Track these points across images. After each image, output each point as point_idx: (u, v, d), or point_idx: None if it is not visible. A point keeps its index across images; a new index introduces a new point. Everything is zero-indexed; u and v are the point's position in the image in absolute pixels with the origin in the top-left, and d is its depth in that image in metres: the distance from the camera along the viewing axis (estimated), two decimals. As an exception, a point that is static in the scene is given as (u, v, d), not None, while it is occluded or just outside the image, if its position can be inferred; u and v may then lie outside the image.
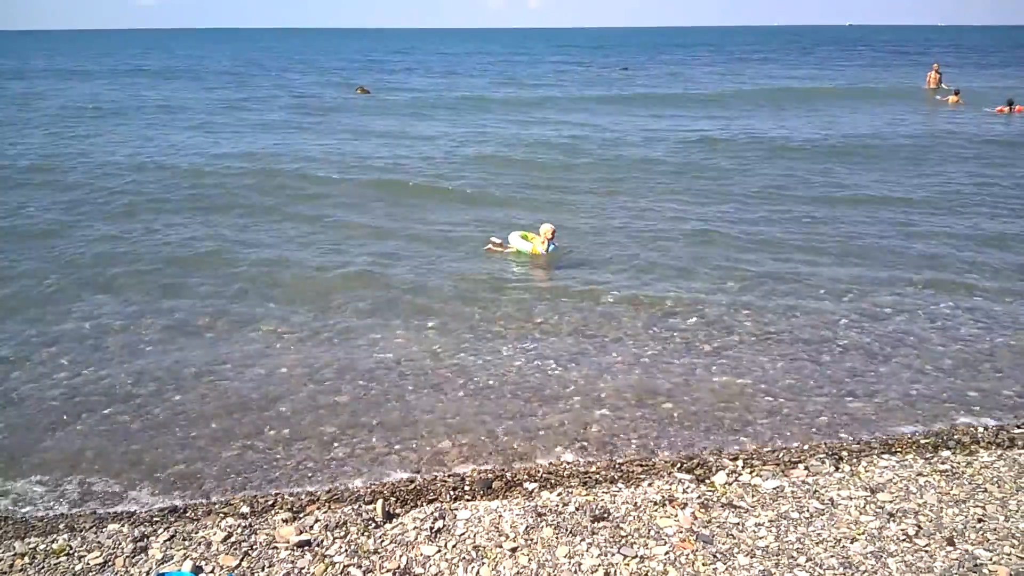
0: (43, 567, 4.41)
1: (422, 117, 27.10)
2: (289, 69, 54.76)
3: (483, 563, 4.35)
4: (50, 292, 9.48)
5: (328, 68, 56.32)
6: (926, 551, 4.37)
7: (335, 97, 34.34)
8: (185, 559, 4.43)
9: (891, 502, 4.92)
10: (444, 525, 4.74)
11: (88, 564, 4.42)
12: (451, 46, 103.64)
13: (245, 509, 5.12)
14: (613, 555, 4.38)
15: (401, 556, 4.43)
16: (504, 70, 53.08)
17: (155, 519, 5.03)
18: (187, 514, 5.10)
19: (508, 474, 5.59)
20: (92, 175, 16.52)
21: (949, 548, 4.39)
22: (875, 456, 5.69)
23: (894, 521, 4.68)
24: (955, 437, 6.05)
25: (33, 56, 75.36)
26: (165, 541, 4.64)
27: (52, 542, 4.67)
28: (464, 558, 4.40)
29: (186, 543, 4.60)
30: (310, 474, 5.67)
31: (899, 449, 5.84)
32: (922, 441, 6.00)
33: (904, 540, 4.48)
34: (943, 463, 5.50)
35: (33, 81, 44.00)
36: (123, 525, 4.89)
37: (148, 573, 4.31)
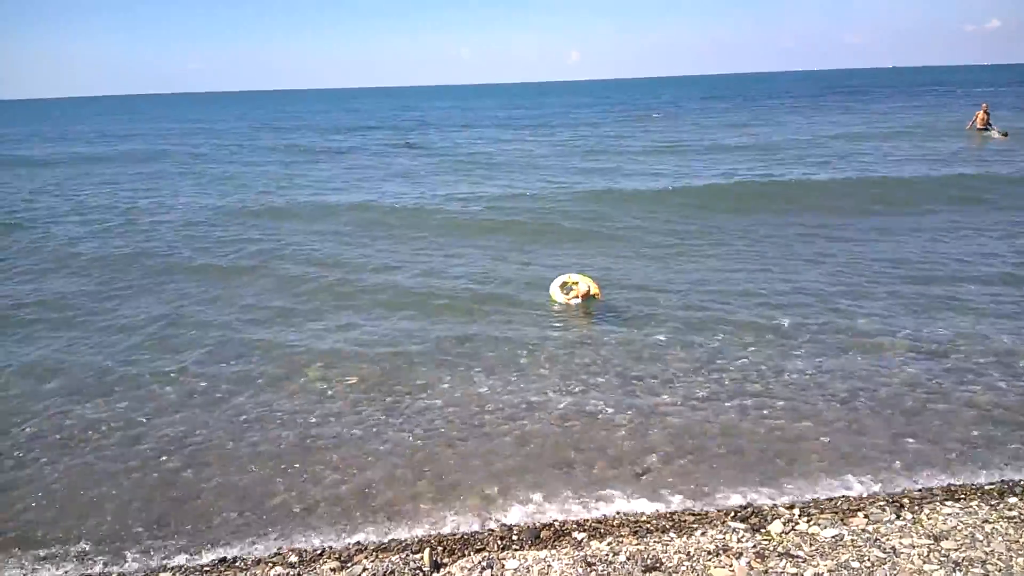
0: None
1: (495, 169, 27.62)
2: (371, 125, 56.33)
3: (532, 614, 4.27)
4: (112, 334, 9.75)
5: (395, 124, 57.69)
6: (996, 603, 4.17)
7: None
8: (235, 609, 4.44)
9: (956, 550, 4.71)
10: (492, 575, 4.68)
11: (141, 613, 4.46)
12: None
13: (294, 559, 5.13)
14: (666, 606, 4.27)
15: (449, 607, 4.38)
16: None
17: (206, 569, 5.06)
18: (236, 564, 5.12)
19: (556, 523, 5.50)
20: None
21: (1021, 600, 4.18)
22: (938, 503, 5.48)
23: (960, 570, 4.48)
24: (1022, 483, 5.80)
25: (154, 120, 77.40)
26: (216, 591, 4.66)
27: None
28: (513, 609, 4.33)
29: (236, 592, 4.62)
30: (358, 523, 5.64)
31: (963, 496, 5.61)
32: (987, 487, 5.76)
33: (972, 591, 4.29)
34: (1010, 510, 5.27)
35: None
36: (174, 574, 4.93)
37: (199, 623, 4.33)
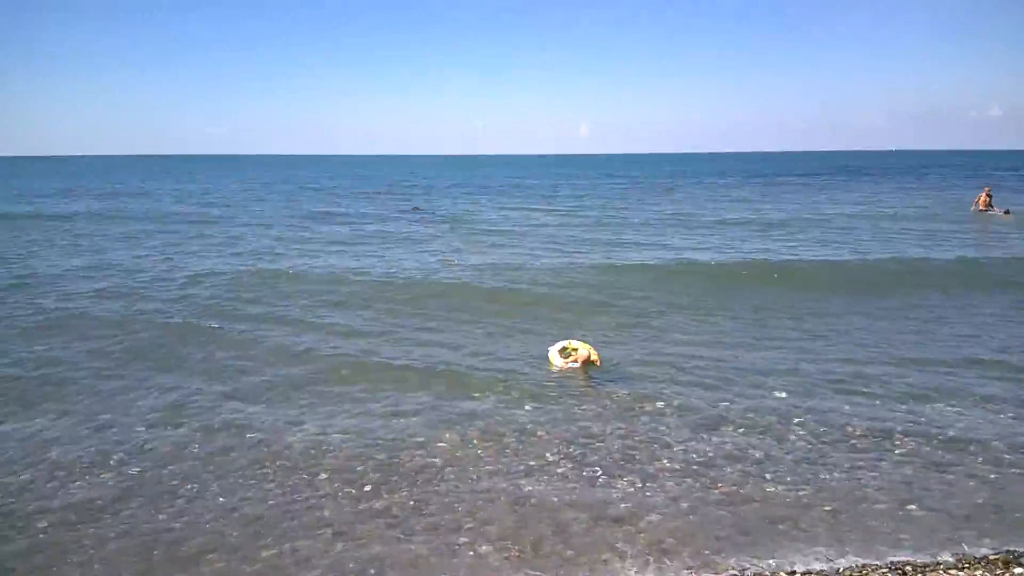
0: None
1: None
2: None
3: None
4: (96, 379, 9.75)
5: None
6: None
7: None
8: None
9: (961, 621, 4.61)
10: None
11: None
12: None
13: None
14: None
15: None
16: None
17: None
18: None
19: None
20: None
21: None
22: (941, 571, 5.38)
23: (965, 640, 4.37)
24: (1028, 552, 5.69)
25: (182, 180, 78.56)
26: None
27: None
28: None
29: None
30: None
31: (967, 565, 5.51)
32: (991, 556, 5.65)
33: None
34: (1016, 580, 5.16)
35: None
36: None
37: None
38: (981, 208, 33.08)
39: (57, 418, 8.75)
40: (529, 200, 46.90)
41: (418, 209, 38.23)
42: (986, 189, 34.56)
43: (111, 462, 7.57)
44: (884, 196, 46.56)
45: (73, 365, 10.83)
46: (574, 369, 10.38)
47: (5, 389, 9.79)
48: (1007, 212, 31.33)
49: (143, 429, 8.43)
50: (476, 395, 9.46)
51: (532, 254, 22.24)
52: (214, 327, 12.94)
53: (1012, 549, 5.76)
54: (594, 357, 10.43)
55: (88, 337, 12.34)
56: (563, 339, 10.99)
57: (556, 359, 10.62)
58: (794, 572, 5.49)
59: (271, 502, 6.72)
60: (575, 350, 10.55)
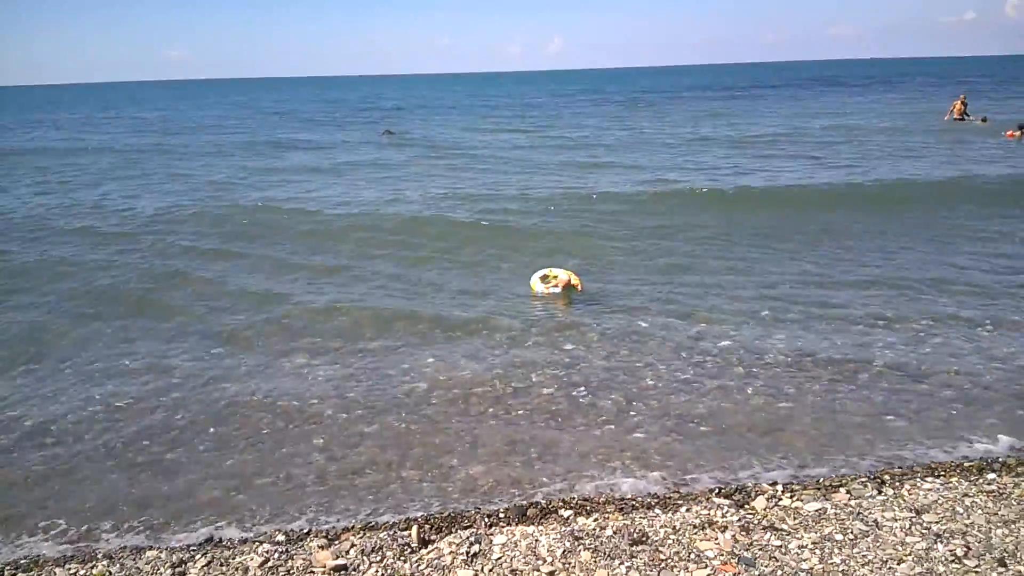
0: (83, 593, 4.44)
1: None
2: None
3: (521, 587, 4.30)
4: (77, 322, 9.66)
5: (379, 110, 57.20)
6: (976, 572, 4.26)
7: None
8: (223, 584, 4.43)
9: (937, 523, 4.81)
10: (480, 550, 4.70)
11: (127, 590, 4.44)
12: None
13: (281, 538, 5.10)
14: (653, 578, 4.31)
15: (438, 581, 4.40)
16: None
17: (192, 548, 5.03)
18: (223, 543, 5.09)
19: (542, 501, 5.52)
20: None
21: (1001, 569, 4.28)
22: (918, 479, 5.57)
23: (941, 542, 4.57)
24: (1000, 459, 5.91)
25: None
26: (203, 567, 4.64)
27: (92, 568, 4.70)
28: (502, 582, 4.36)
29: (224, 568, 4.61)
30: (344, 503, 5.62)
31: (943, 472, 5.71)
32: (966, 464, 5.86)
33: (953, 561, 4.37)
34: (989, 484, 5.37)
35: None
36: (161, 552, 4.90)
37: (186, 599, 4.32)
38: (956, 117, 32.92)
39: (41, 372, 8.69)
40: (502, 121, 46.06)
41: (389, 133, 37.44)
42: (961, 96, 34.25)
43: (97, 407, 7.57)
44: (859, 107, 46.22)
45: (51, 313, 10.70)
46: (555, 295, 10.41)
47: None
48: (984, 120, 31.28)
49: (126, 376, 8.40)
50: (459, 322, 9.48)
51: (505, 178, 21.95)
52: (181, 270, 12.51)
53: (985, 456, 5.99)
54: (575, 282, 10.47)
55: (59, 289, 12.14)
56: (544, 267, 11.00)
57: (537, 285, 10.64)
58: (775, 482, 5.65)
59: (264, 431, 6.77)
60: (555, 276, 10.57)
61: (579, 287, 10.47)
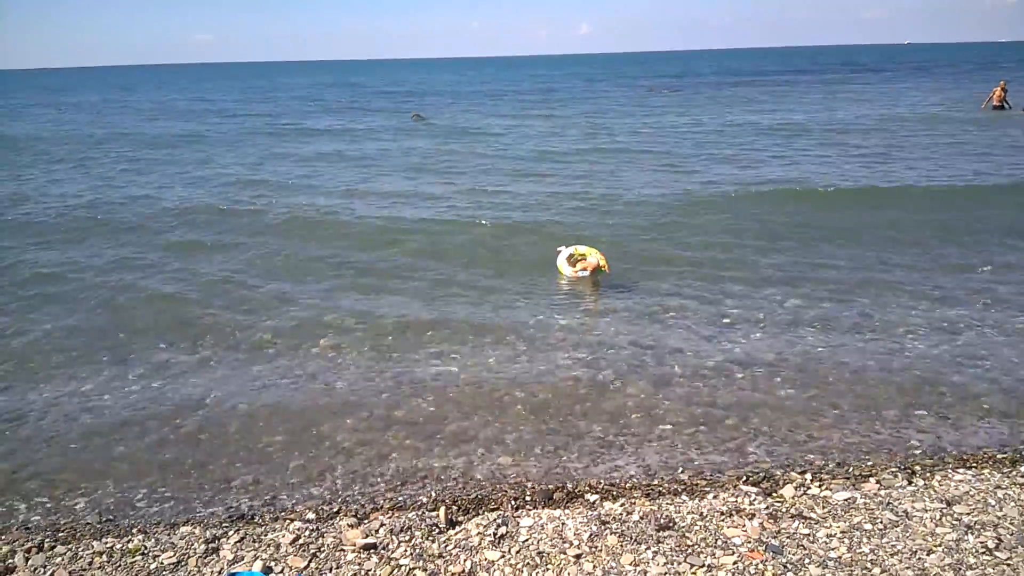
0: (120, 565, 4.54)
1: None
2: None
3: (547, 569, 4.34)
4: (119, 308, 9.83)
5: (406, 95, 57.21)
6: (1008, 564, 4.22)
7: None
8: (256, 560, 4.52)
9: (969, 514, 4.76)
10: (507, 532, 4.74)
11: (162, 563, 4.54)
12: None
13: (311, 515, 5.18)
14: (680, 563, 4.33)
15: (466, 560, 4.44)
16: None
17: (224, 523, 5.12)
18: (255, 519, 5.18)
19: (569, 485, 5.54)
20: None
21: (1033, 562, 4.23)
22: (949, 470, 5.51)
23: (972, 533, 4.53)
24: (1034, 451, 5.83)
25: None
26: (236, 543, 4.73)
27: (128, 542, 4.81)
28: (528, 563, 4.39)
29: (256, 545, 4.69)
30: (372, 486, 5.68)
31: (974, 464, 5.64)
32: (999, 456, 5.79)
33: (984, 553, 4.33)
34: (1022, 476, 5.30)
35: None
36: (195, 527, 5.00)
37: (220, 573, 4.40)
38: (995, 104, 32.02)
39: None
40: (529, 106, 45.83)
41: (418, 116, 37.51)
42: (1001, 83, 33.25)
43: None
44: (899, 96, 45.19)
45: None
46: (583, 277, 10.41)
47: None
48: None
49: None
50: (487, 306, 9.53)
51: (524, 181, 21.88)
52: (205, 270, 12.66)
53: (1020, 448, 5.91)
54: (603, 263, 10.44)
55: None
56: (571, 246, 10.98)
57: (565, 268, 10.64)
58: (805, 471, 5.62)
59: (296, 403, 6.86)
60: (583, 256, 10.55)
61: (607, 268, 10.44)
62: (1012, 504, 4.87)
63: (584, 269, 10.44)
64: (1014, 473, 5.38)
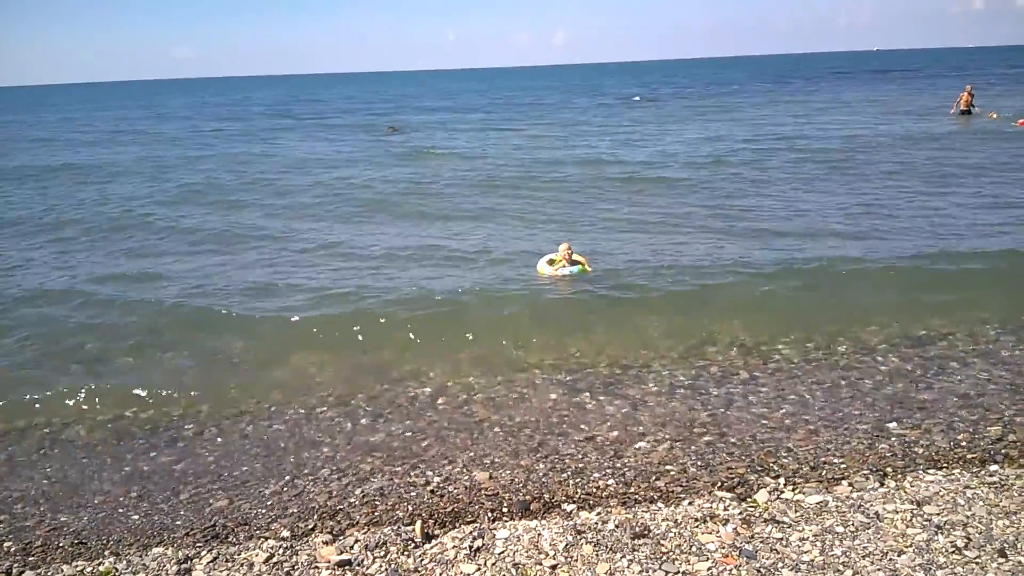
0: (90, 588, 4.49)
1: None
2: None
3: (523, 580, 4.33)
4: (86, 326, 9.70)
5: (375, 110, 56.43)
6: (976, 563, 4.27)
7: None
8: (228, 579, 4.48)
9: (939, 515, 4.82)
10: (483, 544, 4.74)
11: (134, 586, 4.49)
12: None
13: (286, 533, 5.15)
14: (654, 571, 4.35)
15: (441, 574, 4.43)
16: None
17: (198, 544, 5.08)
18: (229, 538, 5.14)
19: (546, 495, 5.54)
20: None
21: (1001, 560, 4.29)
22: (920, 471, 5.58)
23: (942, 534, 4.58)
24: (1003, 451, 5.91)
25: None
26: (208, 563, 4.69)
27: (99, 565, 4.75)
28: (504, 575, 4.39)
29: (229, 564, 4.66)
30: (348, 506, 5.62)
31: (945, 464, 5.72)
32: (968, 456, 5.86)
33: (953, 552, 4.38)
34: (991, 476, 5.38)
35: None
36: (167, 548, 4.95)
37: (192, 594, 4.36)
38: (963, 108, 32.50)
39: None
40: (509, 121, 45.39)
41: (394, 129, 37.39)
42: (967, 88, 33.76)
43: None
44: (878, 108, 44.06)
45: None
46: (563, 277, 10.46)
47: None
48: (995, 115, 30.89)
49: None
50: (468, 320, 9.48)
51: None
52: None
53: (988, 448, 5.98)
54: (582, 261, 10.55)
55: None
56: (552, 251, 11.04)
57: (545, 268, 10.69)
58: (778, 476, 5.65)
59: (270, 420, 6.80)
60: (561, 261, 10.62)
61: (587, 268, 10.53)
62: (980, 503, 4.93)
63: (564, 266, 10.52)
64: (983, 473, 5.45)
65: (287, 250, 14.04)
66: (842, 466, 5.80)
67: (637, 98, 57.27)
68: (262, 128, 42.57)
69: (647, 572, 4.33)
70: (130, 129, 44.90)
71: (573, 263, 10.53)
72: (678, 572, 4.32)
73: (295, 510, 5.55)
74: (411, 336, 9.14)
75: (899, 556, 4.37)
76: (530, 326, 9.31)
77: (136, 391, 7.90)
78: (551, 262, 10.75)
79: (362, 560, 4.62)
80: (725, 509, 5.06)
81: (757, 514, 4.95)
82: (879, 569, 4.26)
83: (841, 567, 4.29)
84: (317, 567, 4.58)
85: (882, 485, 5.33)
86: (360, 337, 9.20)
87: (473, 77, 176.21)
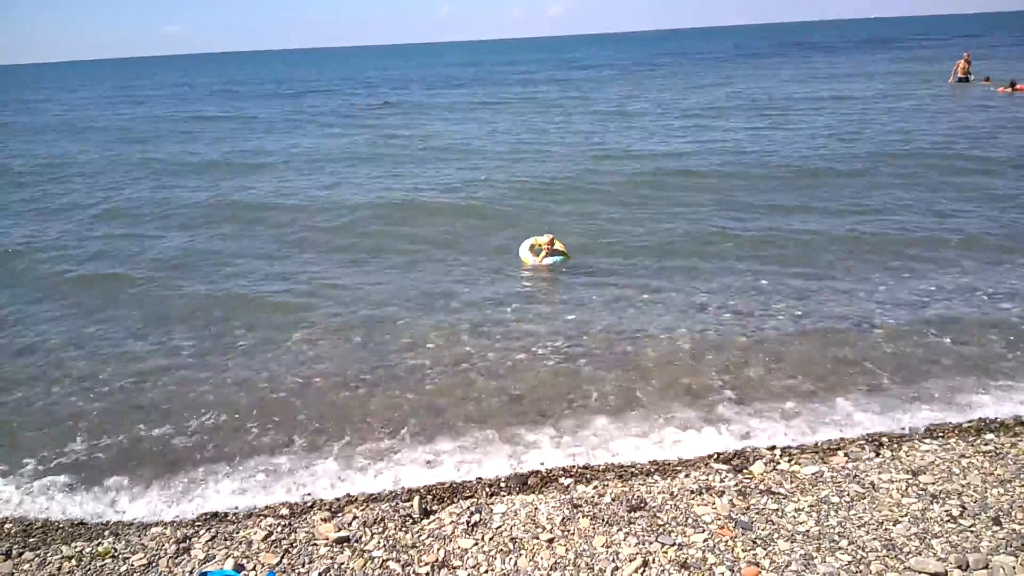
0: (89, 569, 4.51)
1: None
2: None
3: (520, 554, 4.36)
4: (85, 310, 9.69)
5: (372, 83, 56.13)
6: (971, 531, 4.30)
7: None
8: (227, 558, 4.50)
9: (934, 484, 4.84)
10: (481, 519, 4.76)
11: (133, 565, 4.51)
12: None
13: (285, 511, 5.17)
14: (651, 543, 4.37)
15: (439, 549, 4.46)
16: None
17: (196, 523, 5.10)
18: (228, 517, 5.16)
19: (543, 470, 5.57)
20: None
21: (995, 527, 4.31)
22: (916, 441, 5.61)
23: (937, 502, 4.61)
24: (998, 420, 5.93)
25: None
26: (207, 541, 4.71)
27: (98, 545, 4.78)
28: (501, 550, 4.42)
29: (228, 543, 4.68)
30: (347, 478, 5.67)
31: (940, 434, 5.74)
32: (964, 425, 5.88)
33: (948, 521, 4.41)
34: (986, 444, 5.40)
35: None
36: (165, 528, 4.97)
37: (191, 572, 4.38)
38: (960, 76, 32.33)
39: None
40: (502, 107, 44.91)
41: (389, 104, 37.15)
42: (964, 56, 33.54)
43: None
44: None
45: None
46: (548, 264, 10.41)
47: None
48: (986, 79, 30.83)
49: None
50: (459, 297, 9.47)
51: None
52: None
53: (984, 417, 6.00)
54: (561, 248, 10.50)
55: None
56: (532, 236, 10.96)
57: (528, 257, 10.63)
58: (774, 447, 5.69)
59: (269, 399, 6.82)
60: (542, 245, 10.54)
61: (567, 255, 10.48)
62: (976, 472, 4.96)
63: (547, 255, 10.46)
64: (978, 441, 5.47)
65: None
66: (838, 436, 5.83)
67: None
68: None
69: (643, 544, 4.36)
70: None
71: (555, 253, 10.47)
72: (674, 544, 4.34)
73: (293, 485, 5.57)
74: (402, 308, 9.13)
75: (894, 526, 4.39)
76: (519, 300, 9.29)
77: (130, 362, 7.94)
78: (532, 247, 10.67)
79: (360, 536, 4.64)
80: (721, 481, 5.08)
81: (753, 485, 4.97)
82: (875, 539, 4.28)
83: (837, 537, 4.32)
84: (316, 544, 4.60)
85: (878, 455, 5.35)
86: (352, 310, 9.20)
87: (467, 49, 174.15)
